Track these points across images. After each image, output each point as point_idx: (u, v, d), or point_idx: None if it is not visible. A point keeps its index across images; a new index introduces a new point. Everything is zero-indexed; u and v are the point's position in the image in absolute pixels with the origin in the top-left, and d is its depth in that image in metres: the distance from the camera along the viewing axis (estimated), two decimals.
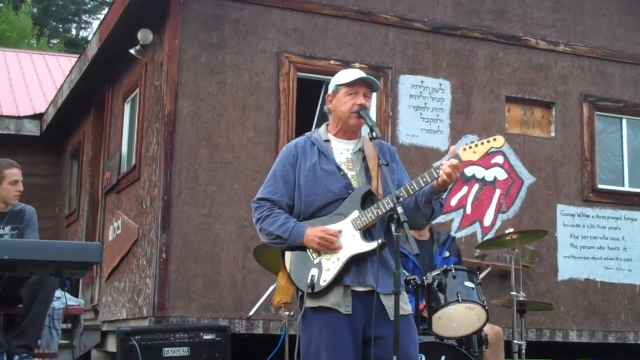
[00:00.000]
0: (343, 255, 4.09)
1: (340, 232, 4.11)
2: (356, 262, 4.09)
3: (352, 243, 4.10)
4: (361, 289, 4.09)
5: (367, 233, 4.12)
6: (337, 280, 4.07)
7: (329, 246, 4.08)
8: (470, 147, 4.13)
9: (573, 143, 9.98)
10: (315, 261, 4.14)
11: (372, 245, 4.05)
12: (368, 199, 4.15)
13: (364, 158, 4.24)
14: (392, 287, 3.93)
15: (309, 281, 4.09)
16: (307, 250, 4.16)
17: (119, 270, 9.56)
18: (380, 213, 4.06)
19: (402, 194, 4.04)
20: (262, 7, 8.88)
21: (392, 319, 3.97)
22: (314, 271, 4.11)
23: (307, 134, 4.41)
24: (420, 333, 5.84)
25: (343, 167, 4.22)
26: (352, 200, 4.15)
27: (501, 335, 6.63)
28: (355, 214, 4.13)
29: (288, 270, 4.24)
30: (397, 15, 9.41)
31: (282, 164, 4.30)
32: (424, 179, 4.05)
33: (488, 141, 4.14)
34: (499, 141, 4.14)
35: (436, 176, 4.04)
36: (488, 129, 9.57)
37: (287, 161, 4.29)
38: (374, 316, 3.98)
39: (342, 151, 4.29)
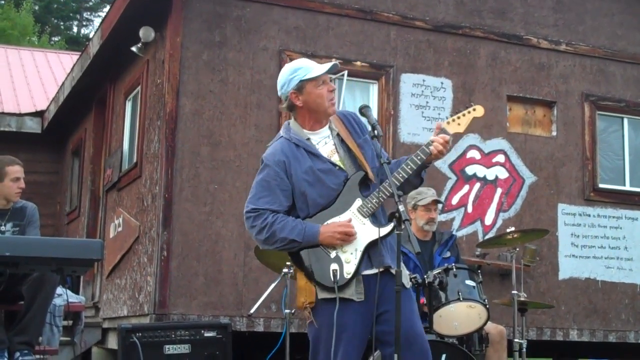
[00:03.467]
0: (360, 245, 4.10)
1: (350, 221, 4.11)
2: (372, 248, 4.10)
3: (365, 230, 4.11)
4: (369, 272, 4.10)
5: (374, 218, 4.15)
6: (358, 270, 4.08)
7: (349, 240, 4.09)
8: (454, 120, 4.28)
9: (574, 142, 9.99)
10: (332, 255, 4.10)
11: (386, 229, 4.08)
12: (364, 184, 4.18)
13: (341, 139, 4.25)
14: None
15: (332, 277, 4.05)
16: (320, 246, 4.12)
17: (120, 267, 9.57)
18: (383, 197, 4.12)
19: (400, 175, 4.12)
20: (264, 5, 8.88)
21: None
22: (334, 266, 4.08)
23: (282, 136, 4.31)
24: None
25: (334, 159, 4.22)
26: (350, 189, 4.16)
27: (504, 335, 6.63)
28: (359, 202, 4.14)
29: (308, 269, 4.16)
30: (398, 13, 9.41)
31: (274, 172, 4.20)
32: (419, 157, 4.16)
33: (469, 112, 4.29)
34: (479, 110, 4.29)
35: (429, 152, 4.15)
36: (489, 128, 9.58)
37: (280, 169, 4.19)
38: (378, 295, 4.03)
39: (325, 142, 4.27)
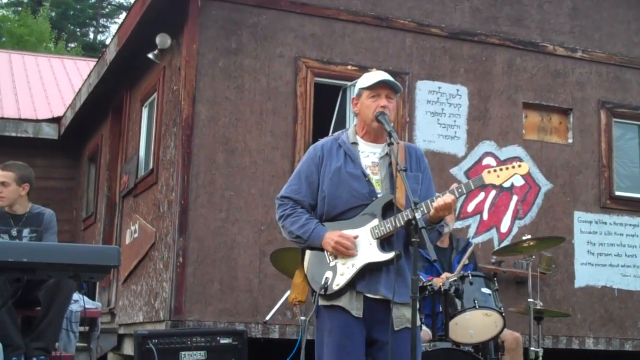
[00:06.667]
0: (358, 262, 4.13)
1: (356, 237, 4.14)
2: (370, 270, 4.12)
3: (368, 251, 4.13)
4: (372, 296, 4.13)
5: (384, 242, 4.15)
6: (350, 285, 4.12)
7: (343, 252, 4.13)
8: (495, 171, 4.17)
9: (590, 150, 9.95)
10: (331, 264, 4.18)
11: (387, 255, 4.10)
12: (389, 208, 4.16)
13: (390, 164, 4.25)
14: (406, 296, 4.01)
15: (322, 282, 4.15)
16: (325, 252, 4.20)
17: (136, 273, 9.59)
18: (398, 225, 4.08)
19: (400, 219, 4.09)
20: (280, 12, 8.90)
21: (396, 329, 4.06)
22: (328, 274, 4.16)
23: (335, 134, 4.46)
24: (436, 339, 5.86)
25: (368, 171, 4.25)
26: (374, 207, 4.18)
27: (520, 342, 6.62)
28: (375, 222, 4.16)
29: (305, 269, 4.30)
30: (414, 20, 9.41)
31: (307, 164, 4.36)
32: (421, 208, 4.06)
33: (513, 167, 4.18)
34: (523, 168, 4.18)
35: (430, 208, 4.07)
36: (505, 135, 9.56)
37: (312, 162, 4.34)
38: (382, 322, 4.06)
39: (368, 154, 4.32)
